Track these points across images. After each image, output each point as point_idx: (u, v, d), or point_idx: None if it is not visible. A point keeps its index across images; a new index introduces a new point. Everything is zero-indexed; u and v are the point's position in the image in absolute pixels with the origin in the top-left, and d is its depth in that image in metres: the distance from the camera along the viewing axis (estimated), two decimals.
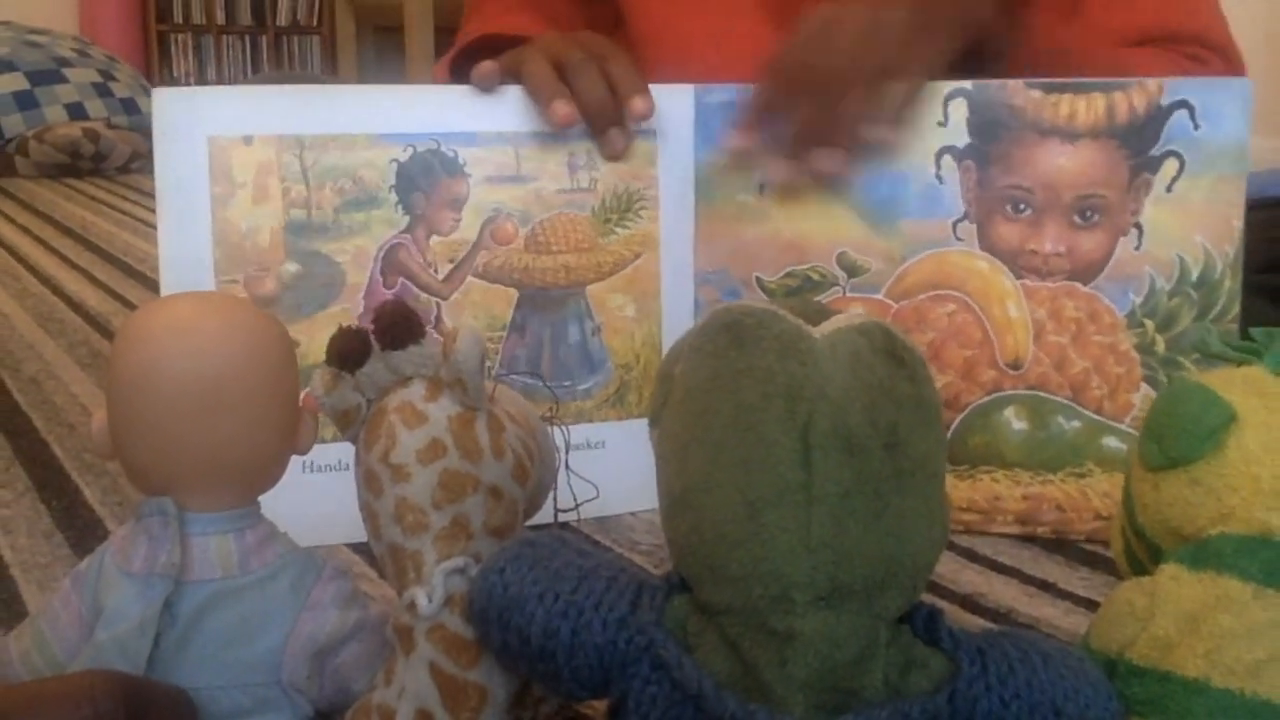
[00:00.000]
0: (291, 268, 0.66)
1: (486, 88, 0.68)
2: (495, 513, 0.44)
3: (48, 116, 2.59)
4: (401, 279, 0.67)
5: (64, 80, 2.69)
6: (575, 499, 0.61)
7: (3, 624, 0.56)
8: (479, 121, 0.68)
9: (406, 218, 0.67)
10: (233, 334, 0.41)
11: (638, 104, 0.68)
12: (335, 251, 0.66)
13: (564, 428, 0.56)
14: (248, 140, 0.65)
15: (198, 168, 0.64)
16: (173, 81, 4.13)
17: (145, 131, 2.61)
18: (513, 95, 0.69)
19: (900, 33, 0.67)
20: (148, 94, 2.79)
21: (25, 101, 2.60)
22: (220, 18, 4.28)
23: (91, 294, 1.35)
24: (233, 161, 0.64)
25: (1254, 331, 0.44)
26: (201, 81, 4.21)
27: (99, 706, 0.36)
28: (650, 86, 0.69)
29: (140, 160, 2.60)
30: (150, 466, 0.41)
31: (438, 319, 0.68)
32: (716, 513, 0.36)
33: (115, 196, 2.22)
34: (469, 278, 0.68)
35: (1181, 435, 0.41)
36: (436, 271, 0.68)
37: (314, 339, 0.65)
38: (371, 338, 0.44)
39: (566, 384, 0.70)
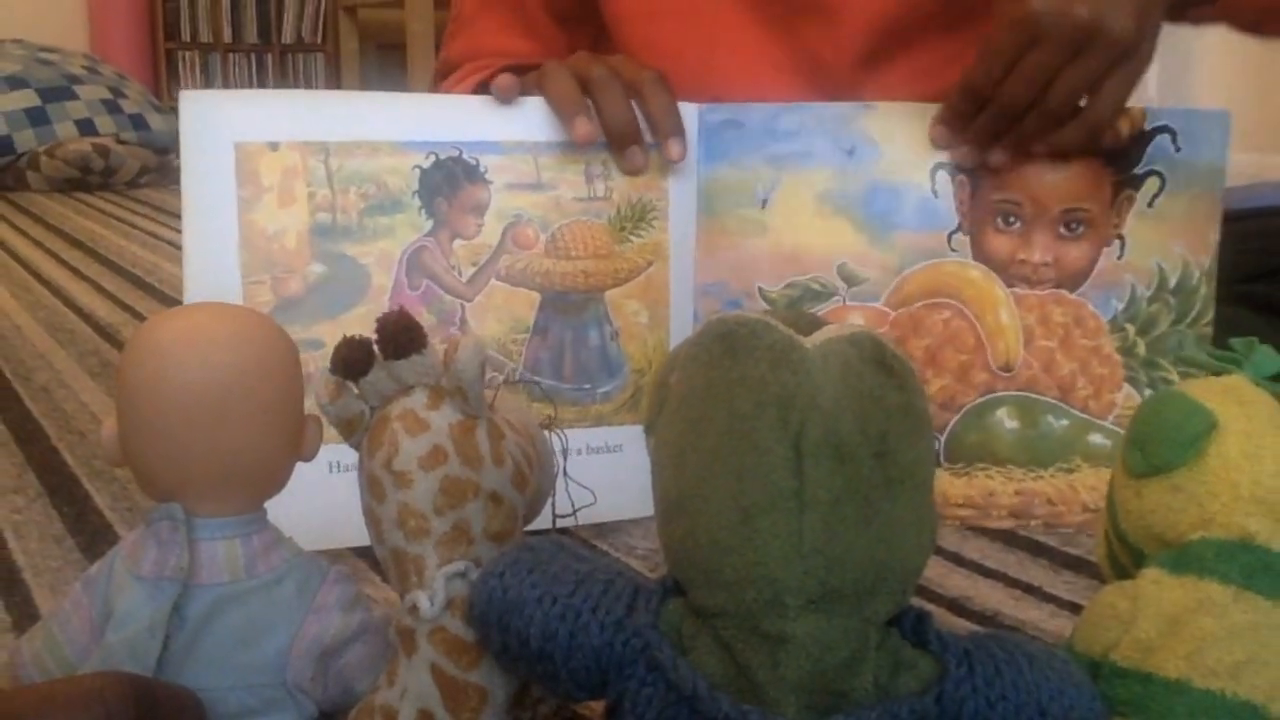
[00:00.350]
0: (317, 269, 0.66)
1: (505, 100, 0.68)
2: (495, 518, 0.45)
3: (59, 132, 2.61)
4: (426, 281, 0.68)
5: (74, 97, 2.71)
6: (573, 505, 0.62)
7: (16, 627, 0.57)
8: (500, 131, 0.68)
9: (430, 222, 0.68)
10: (241, 343, 0.42)
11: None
12: (360, 254, 0.67)
13: (562, 434, 0.56)
14: (274, 145, 0.65)
15: (224, 172, 0.64)
16: None
17: (154, 147, 2.64)
18: (533, 106, 0.69)
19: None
20: (156, 110, 2.81)
21: (37, 118, 2.62)
22: (227, 35, 4.31)
23: (101, 305, 1.36)
24: (259, 166, 0.65)
25: (1234, 341, 0.45)
26: None
27: (109, 707, 0.37)
28: None
29: (149, 175, 2.62)
30: (159, 473, 0.42)
31: (462, 320, 0.68)
32: (710, 519, 0.37)
33: (124, 210, 2.24)
34: (492, 280, 0.69)
35: (1164, 443, 0.42)
36: (460, 274, 0.68)
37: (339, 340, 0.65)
38: (374, 347, 0.44)
39: (587, 387, 0.70)
